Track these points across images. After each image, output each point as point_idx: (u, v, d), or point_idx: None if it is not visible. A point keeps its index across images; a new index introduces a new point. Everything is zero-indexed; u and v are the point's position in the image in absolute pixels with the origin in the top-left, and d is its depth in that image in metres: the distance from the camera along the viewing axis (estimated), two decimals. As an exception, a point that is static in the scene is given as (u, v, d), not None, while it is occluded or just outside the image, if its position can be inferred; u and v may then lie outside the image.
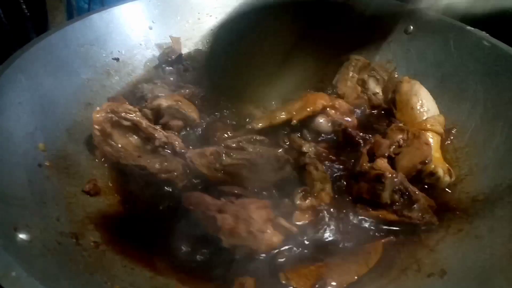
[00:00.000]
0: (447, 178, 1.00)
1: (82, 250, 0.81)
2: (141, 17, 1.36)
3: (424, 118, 1.12)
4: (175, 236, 0.86)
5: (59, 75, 1.09)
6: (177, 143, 1.01)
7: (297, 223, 0.89)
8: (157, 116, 1.10)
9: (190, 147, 1.05)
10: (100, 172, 1.02)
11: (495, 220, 0.88)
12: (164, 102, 1.08)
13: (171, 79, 1.30)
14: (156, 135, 1.00)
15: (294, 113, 1.12)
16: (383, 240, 0.88)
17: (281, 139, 1.11)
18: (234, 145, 1.00)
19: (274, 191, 0.96)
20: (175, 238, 0.85)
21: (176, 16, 1.44)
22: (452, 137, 1.13)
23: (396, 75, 1.36)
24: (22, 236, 0.71)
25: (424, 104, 1.16)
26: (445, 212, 0.95)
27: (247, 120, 1.16)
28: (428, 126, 1.09)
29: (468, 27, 1.21)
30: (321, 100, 1.13)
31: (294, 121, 1.11)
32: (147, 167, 0.95)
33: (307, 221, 0.90)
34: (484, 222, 0.89)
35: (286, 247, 0.86)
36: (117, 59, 1.29)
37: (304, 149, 1.05)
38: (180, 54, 1.34)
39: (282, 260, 0.84)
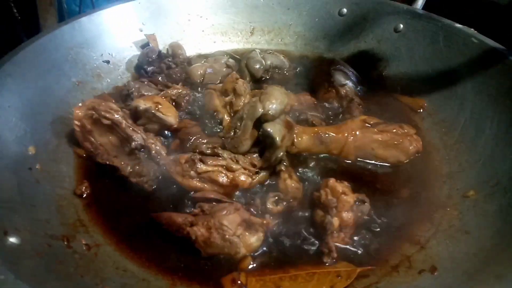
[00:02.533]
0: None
1: (73, 252, 0.81)
2: (131, 19, 1.36)
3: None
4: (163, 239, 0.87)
5: (49, 78, 1.09)
6: (153, 146, 0.99)
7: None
8: (135, 117, 1.07)
9: (165, 153, 1.02)
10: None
11: (484, 216, 0.89)
12: (141, 105, 1.05)
13: (159, 78, 1.29)
14: (133, 136, 0.98)
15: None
16: (359, 269, 0.82)
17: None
18: (209, 151, 0.98)
19: (248, 194, 0.96)
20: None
21: (166, 18, 1.44)
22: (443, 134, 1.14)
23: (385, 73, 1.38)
24: (11, 239, 0.71)
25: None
26: (436, 209, 0.95)
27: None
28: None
29: (457, 25, 1.22)
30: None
31: None
32: (120, 168, 0.96)
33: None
34: (474, 218, 0.90)
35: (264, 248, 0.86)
36: (108, 62, 1.28)
37: (280, 156, 1.01)
38: (160, 52, 1.33)
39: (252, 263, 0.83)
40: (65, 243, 0.82)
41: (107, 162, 0.98)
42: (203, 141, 1.04)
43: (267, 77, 1.38)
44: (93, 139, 1.00)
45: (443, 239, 0.88)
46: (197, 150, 0.99)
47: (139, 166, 0.97)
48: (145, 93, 1.16)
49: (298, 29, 1.55)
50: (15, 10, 1.64)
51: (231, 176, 0.95)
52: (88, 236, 0.87)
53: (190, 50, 1.48)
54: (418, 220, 0.93)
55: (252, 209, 0.90)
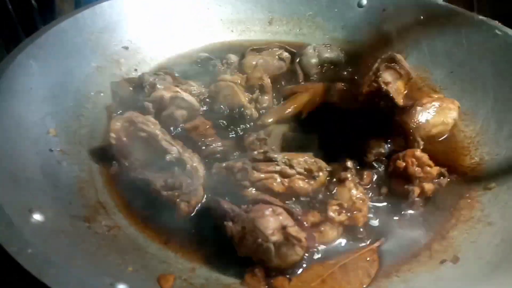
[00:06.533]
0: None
1: (95, 233, 0.81)
2: (151, 6, 1.35)
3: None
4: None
5: (70, 62, 1.10)
6: (189, 161, 0.92)
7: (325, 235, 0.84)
8: (158, 108, 1.05)
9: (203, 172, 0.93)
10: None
11: (506, 207, 0.88)
12: (166, 94, 1.04)
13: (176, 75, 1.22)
14: (169, 149, 0.92)
15: (303, 105, 1.17)
16: (375, 245, 0.84)
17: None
18: (261, 156, 0.91)
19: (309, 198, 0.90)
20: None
21: (186, 6, 1.43)
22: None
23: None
24: (36, 217, 0.71)
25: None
26: (458, 200, 0.95)
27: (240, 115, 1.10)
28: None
29: (480, 16, 1.21)
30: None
31: (304, 114, 1.15)
32: (151, 181, 0.89)
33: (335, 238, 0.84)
34: (496, 209, 0.89)
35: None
36: (127, 48, 1.28)
37: (348, 164, 0.95)
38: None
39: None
40: (87, 224, 0.82)
41: (139, 176, 0.91)
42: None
43: (322, 72, 1.36)
44: (128, 153, 0.96)
45: (465, 230, 0.87)
46: (248, 158, 0.91)
47: (172, 179, 0.89)
48: (159, 87, 1.11)
49: (317, 19, 1.54)
50: (33, -2, 1.64)
51: (287, 183, 0.88)
52: (108, 218, 0.87)
53: (207, 38, 1.48)
54: (439, 211, 0.93)
55: (302, 220, 0.80)
